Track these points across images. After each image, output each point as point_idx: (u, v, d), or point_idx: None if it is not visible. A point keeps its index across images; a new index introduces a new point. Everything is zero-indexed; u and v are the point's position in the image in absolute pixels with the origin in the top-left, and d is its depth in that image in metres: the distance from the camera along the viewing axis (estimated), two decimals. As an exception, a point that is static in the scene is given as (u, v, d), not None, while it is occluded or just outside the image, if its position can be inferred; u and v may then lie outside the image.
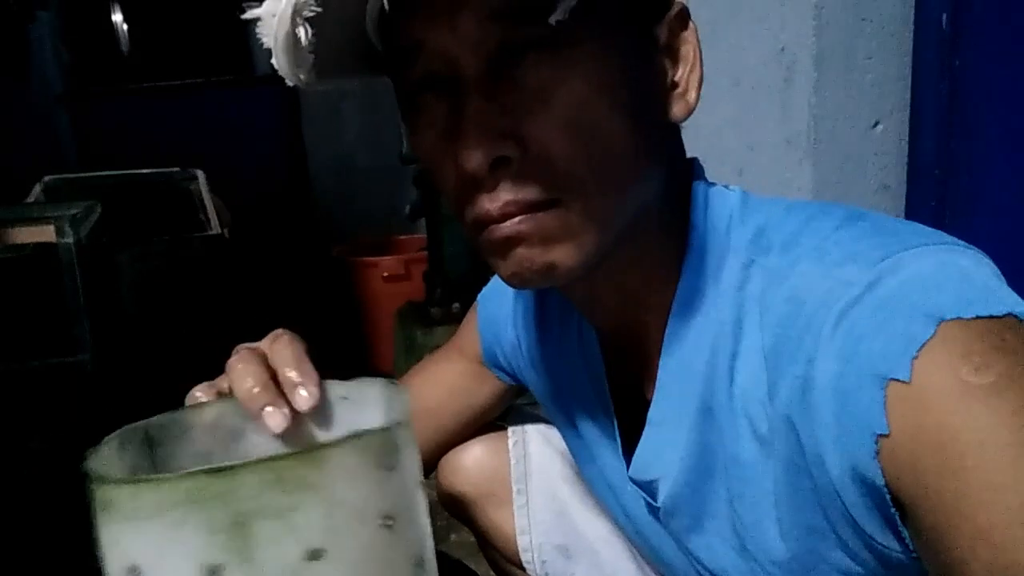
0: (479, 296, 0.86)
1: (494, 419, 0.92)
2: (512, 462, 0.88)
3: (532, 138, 0.47)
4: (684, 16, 0.54)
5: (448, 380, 0.88)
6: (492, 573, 1.41)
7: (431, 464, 0.91)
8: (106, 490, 0.35)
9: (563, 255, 0.50)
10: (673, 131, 0.57)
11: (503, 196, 0.48)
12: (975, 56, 1.09)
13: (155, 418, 0.48)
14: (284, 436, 0.48)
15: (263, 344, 0.53)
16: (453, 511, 0.95)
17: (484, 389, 0.86)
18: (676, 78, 0.54)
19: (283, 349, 0.51)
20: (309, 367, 0.50)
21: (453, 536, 1.69)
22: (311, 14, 0.44)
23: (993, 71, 1.08)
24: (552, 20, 0.44)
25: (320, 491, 0.34)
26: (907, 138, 1.17)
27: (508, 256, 0.51)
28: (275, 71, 0.49)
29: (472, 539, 1.64)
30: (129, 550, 0.35)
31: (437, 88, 0.49)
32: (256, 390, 0.48)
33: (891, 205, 1.19)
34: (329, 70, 0.50)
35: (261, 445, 0.50)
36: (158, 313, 1.69)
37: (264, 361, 0.51)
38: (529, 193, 0.48)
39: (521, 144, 0.47)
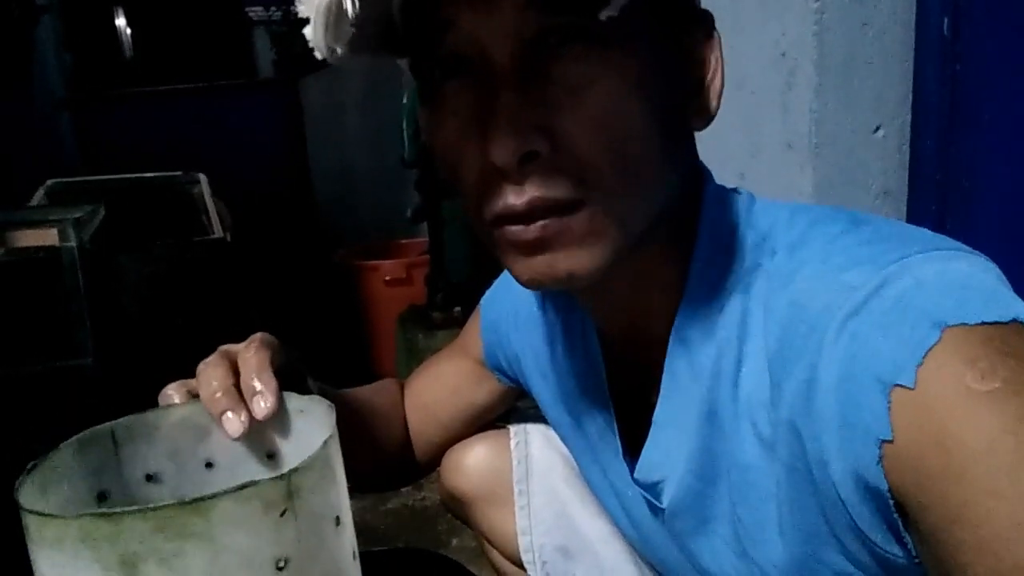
0: (482, 299, 0.86)
1: (497, 420, 0.92)
2: (514, 462, 0.89)
3: (563, 135, 0.47)
4: (710, 26, 0.54)
5: (450, 379, 0.89)
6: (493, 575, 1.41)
7: (433, 461, 0.92)
8: (23, 515, 0.38)
9: (584, 261, 0.49)
10: (690, 137, 0.57)
11: (529, 191, 0.47)
12: (976, 61, 1.09)
13: (122, 419, 0.51)
14: (245, 438, 0.50)
15: (239, 347, 0.55)
16: (454, 510, 0.96)
17: (485, 389, 0.87)
18: (701, 86, 0.54)
19: (250, 356, 0.53)
20: (269, 376, 0.52)
21: (455, 541, 1.69)
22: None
23: (994, 76, 1.09)
24: (603, 16, 0.43)
25: (205, 539, 0.36)
26: (908, 143, 1.17)
27: (530, 259, 0.50)
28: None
29: (473, 544, 1.65)
30: (43, 571, 0.39)
31: (464, 75, 0.48)
32: (218, 395, 0.51)
33: (892, 210, 1.19)
34: (363, 46, 0.49)
35: (225, 445, 0.52)
36: (160, 317, 1.69)
37: (232, 366, 0.53)
38: (556, 190, 0.47)
39: (552, 140, 0.46)
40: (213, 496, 0.37)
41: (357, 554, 0.47)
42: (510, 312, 0.80)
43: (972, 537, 0.38)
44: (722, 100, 0.54)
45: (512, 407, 0.92)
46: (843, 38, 1.11)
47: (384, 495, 1.92)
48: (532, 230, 0.48)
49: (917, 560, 0.45)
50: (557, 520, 0.87)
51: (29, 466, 0.45)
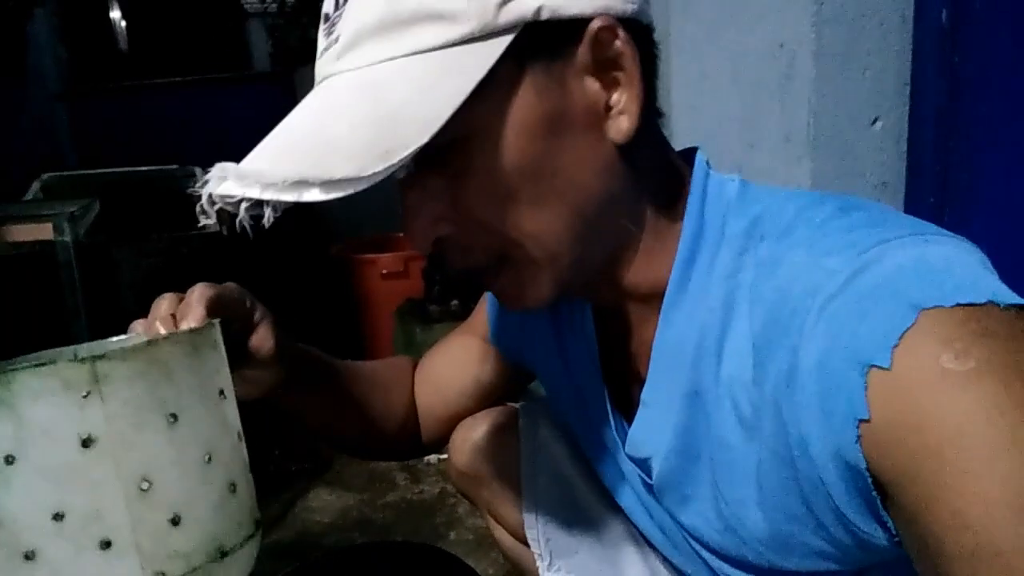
0: None
1: (507, 402, 0.95)
2: (521, 440, 0.90)
3: (461, 216, 0.52)
4: (609, 30, 0.50)
5: (458, 356, 0.91)
6: (493, 570, 1.41)
7: (440, 437, 0.94)
8: None
9: (536, 294, 0.56)
10: (634, 144, 0.54)
11: (458, 263, 0.55)
12: (974, 53, 1.09)
13: (84, 344, 0.59)
14: None
15: None
16: (461, 486, 0.98)
17: (490, 367, 0.89)
18: (610, 101, 0.52)
19: (194, 292, 0.61)
20: (198, 307, 0.59)
21: (452, 534, 1.69)
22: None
23: (992, 68, 1.08)
24: (394, 175, 0.47)
25: (8, 406, 0.42)
26: (906, 135, 1.17)
27: (502, 299, 0.59)
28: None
29: (471, 536, 1.65)
30: None
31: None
32: (156, 322, 0.59)
33: (890, 202, 1.19)
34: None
35: None
36: (156, 311, 1.69)
37: (178, 300, 0.61)
38: (475, 260, 0.55)
39: (453, 223, 0.53)
40: (14, 369, 0.42)
41: (218, 460, 0.50)
42: None
43: (947, 514, 0.40)
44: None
45: (523, 389, 0.94)
46: (842, 30, 1.11)
47: (382, 488, 1.92)
48: (493, 285, 0.57)
49: (897, 540, 0.46)
50: (562, 498, 0.89)
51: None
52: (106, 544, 0.44)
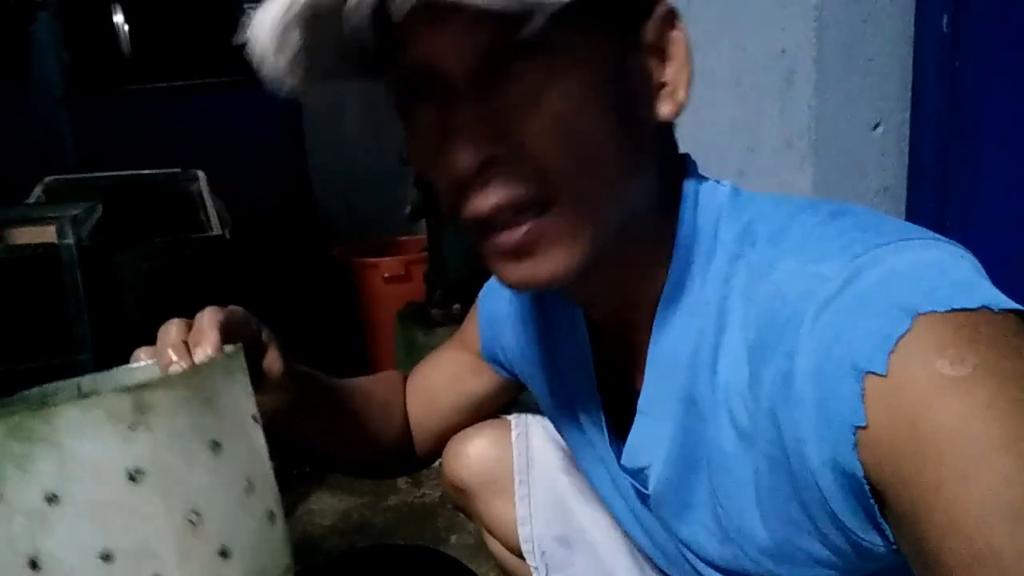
0: (480, 292, 0.88)
1: (499, 412, 0.94)
2: (515, 453, 0.90)
3: (521, 139, 0.48)
4: (671, 15, 0.54)
5: (449, 371, 0.90)
6: (493, 574, 1.41)
7: (433, 451, 0.93)
8: None
9: (563, 262, 0.51)
10: (664, 129, 0.57)
11: (493, 196, 0.49)
12: (975, 58, 1.09)
13: (88, 376, 0.56)
14: None
15: None
16: (456, 500, 0.97)
17: (483, 381, 0.88)
18: (664, 78, 0.54)
19: (202, 316, 0.58)
20: (212, 331, 0.56)
21: (454, 537, 1.69)
22: (305, 14, 0.45)
23: (993, 73, 1.09)
24: (525, 33, 0.44)
25: (52, 443, 0.40)
26: (908, 140, 1.17)
27: (513, 265, 0.52)
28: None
29: (472, 540, 1.65)
30: None
31: (424, 95, 0.50)
32: (167, 349, 0.56)
33: (891, 207, 1.19)
34: (319, 74, 0.50)
35: None
36: (159, 314, 1.69)
37: (187, 325, 0.58)
38: (519, 191, 0.49)
39: (510, 145, 0.48)
40: (59, 403, 0.40)
41: (259, 488, 0.49)
42: (506, 304, 0.81)
43: (945, 521, 0.39)
44: (689, 91, 0.54)
45: (514, 399, 0.93)
46: (843, 35, 1.11)
47: (383, 492, 1.92)
48: (512, 238, 0.51)
49: (894, 546, 0.46)
50: (556, 511, 0.88)
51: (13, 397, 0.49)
52: None
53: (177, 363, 0.54)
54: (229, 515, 0.46)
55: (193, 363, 0.53)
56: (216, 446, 0.45)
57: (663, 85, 0.54)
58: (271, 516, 0.50)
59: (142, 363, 0.58)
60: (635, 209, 0.54)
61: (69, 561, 0.41)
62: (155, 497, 0.42)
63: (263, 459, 0.50)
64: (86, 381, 0.56)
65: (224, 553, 0.45)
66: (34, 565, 0.41)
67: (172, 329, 0.58)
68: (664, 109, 0.54)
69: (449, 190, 0.51)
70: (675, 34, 0.54)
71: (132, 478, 0.42)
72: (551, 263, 0.51)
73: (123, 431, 0.41)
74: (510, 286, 0.54)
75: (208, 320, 0.58)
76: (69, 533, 0.41)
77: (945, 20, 1.10)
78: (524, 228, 0.50)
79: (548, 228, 0.50)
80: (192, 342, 0.57)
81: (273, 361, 0.66)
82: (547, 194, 0.49)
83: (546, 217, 0.50)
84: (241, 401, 0.49)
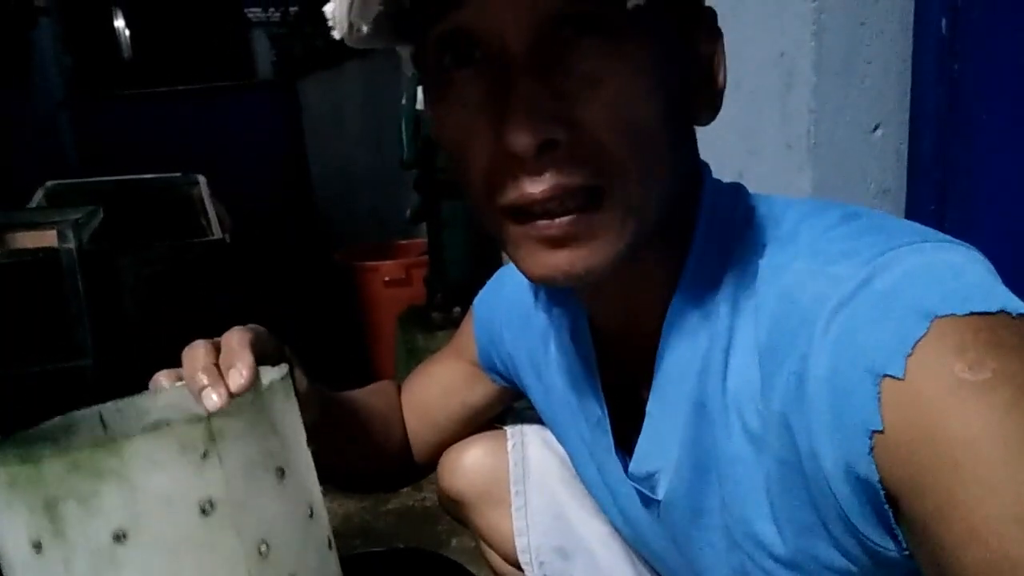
0: (475, 299, 0.87)
1: (493, 421, 0.92)
2: (511, 464, 0.89)
3: (581, 124, 0.46)
4: (714, 25, 0.54)
5: (444, 380, 0.89)
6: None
7: (430, 462, 0.92)
8: None
9: (602, 256, 0.49)
10: (692, 132, 0.57)
11: (549, 180, 0.46)
12: (974, 60, 1.09)
13: (110, 403, 0.52)
14: None
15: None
16: (452, 512, 0.96)
17: (479, 391, 0.87)
18: (704, 83, 0.54)
19: (231, 337, 0.55)
20: (245, 352, 0.53)
21: (455, 541, 1.69)
22: None
23: (992, 75, 1.09)
24: (630, 5, 0.43)
25: (121, 477, 0.38)
26: (907, 142, 1.17)
27: (551, 253, 0.49)
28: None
29: (473, 544, 1.64)
30: None
31: (475, 62, 0.47)
32: (198, 373, 0.51)
33: (891, 209, 1.19)
34: (385, 26, 0.48)
35: None
36: (159, 318, 1.69)
37: (214, 347, 0.54)
38: (574, 179, 0.47)
39: (570, 128, 0.46)
40: (127, 436, 0.38)
41: (317, 514, 0.47)
42: (503, 311, 0.80)
43: (962, 527, 0.39)
44: (723, 99, 0.55)
45: (509, 408, 0.92)
46: (842, 38, 1.11)
47: (384, 496, 1.92)
48: (557, 225, 0.48)
49: (907, 553, 0.45)
50: (554, 521, 0.87)
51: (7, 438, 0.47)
52: None
53: (211, 388, 0.50)
54: (295, 544, 0.44)
55: (228, 388, 0.50)
56: (281, 473, 0.44)
57: (702, 91, 0.54)
58: (329, 543, 0.48)
59: (166, 388, 0.55)
60: (668, 205, 0.53)
61: None
62: (227, 529, 0.41)
63: (317, 484, 0.49)
64: (108, 409, 0.52)
65: None
66: None
67: (200, 352, 0.54)
68: (702, 113, 0.55)
69: (491, 171, 0.48)
70: (716, 41, 0.54)
71: (204, 511, 0.40)
72: (591, 255, 0.49)
73: (195, 461, 0.39)
74: (538, 277, 0.51)
75: (239, 341, 0.54)
76: (138, 571, 0.39)
77: (943, 23, 1.10)
78: (571, 217, 0.47)
79: (595, 219, 0.48)
80: (224, 364, 0.53)
81: (300, 380, 0.64)
82: (600, 183, 0.47)
83: (594, 207, 0.48)
84: (297, 424, 0.48)
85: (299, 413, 0.49)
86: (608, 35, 0.45)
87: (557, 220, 0.48)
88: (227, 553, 0.41)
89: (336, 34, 0.48)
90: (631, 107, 0.47)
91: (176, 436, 0.39)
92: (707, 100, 0.54)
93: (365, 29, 0.47)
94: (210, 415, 0.40)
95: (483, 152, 0.48)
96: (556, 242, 0.49)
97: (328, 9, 0.47)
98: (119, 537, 0.38)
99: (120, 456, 0.38)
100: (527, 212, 0.48)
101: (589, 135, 0.46)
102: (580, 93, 0.46)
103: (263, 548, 0.42)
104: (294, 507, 0.45)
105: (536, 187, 0.47)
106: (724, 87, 0.54)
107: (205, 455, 0.40)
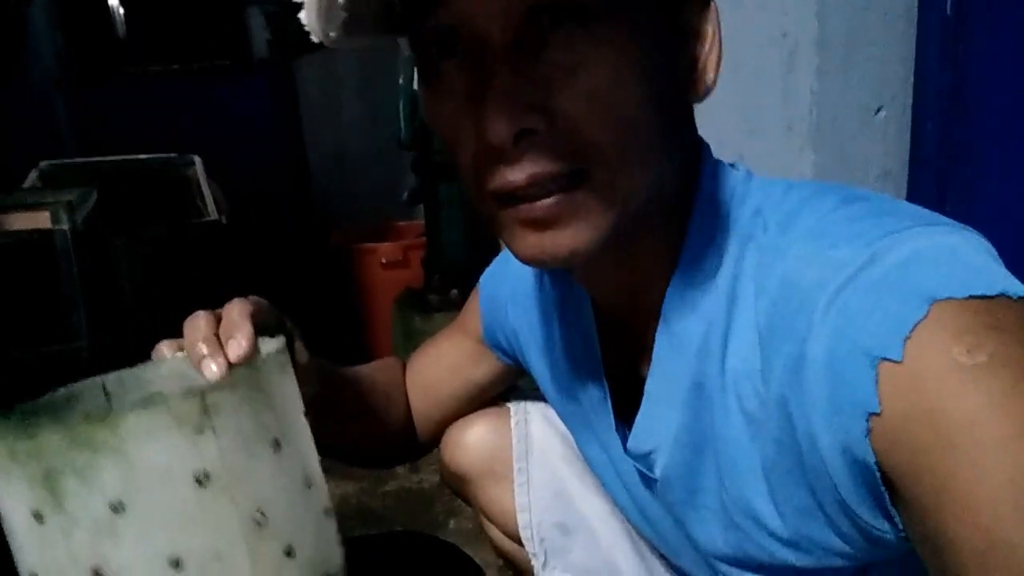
0: (482, 276, 0.87)
1: (497, 398, 0.93)
2: (514, 440, 0.90)
3: (559, 111, 0.47)
4: None
5: (449, 357, 0.90)
6: (491, 559, 1.41)
7: (433, 438, 0.93)
8: None
9: (586, 237, 0.50)
10: (688, 111, 0.56)
11: (528, 168, 0.47)
12: (978, 42, 1.08)
13: (112, 373, 0.54)
14: None
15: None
16: (454, 487, 0.97)
17: (484, 368, 0.88)
18: (697, 58, 0.53)
19: (231, 308, 0.56)
20: (244, 323, 0.53)
21: (452, 523, 1.69)
22: None
23: (996, 57, 1.08)
24: None
25: (117, 451, 0.39)
26: (910, 124, 1.17)
27: (536, 235, 0.50)
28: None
29: (471, 525, 1.65)
30: None
31: (458, 54, 0.48)
32: (199, 343, 0.52)
33: (892, 192, 1.18)
34: (358, 28, 0.49)
35: None
36: (155, 300, 1.68)
37: (215, 317, 0.55)
38: (554, 165, 0.47)
39: (547, 116, 0.47)
40: (121, 410, 0.39)
41: (315, 484, 0.48)
42: (509, 288, 0.81)
43: (958, 510, 0.39)
44: (719, 75, 0.54)
45: (513, 386, 0.93)
46: (845, 18, 1.10)
47: (382, 477, 1.92)
48: (539, 207, 0.49)
49: (903, 535, 0.45)
50: (556, 498, 0.88)
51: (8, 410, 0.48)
52: None
53: (210, 357, 0.51)
54: (292, 513, 0.45)
55: (228, 358, 0.51)
56: (277, 444, 0.45)
57: (695, 66, 0.53)
58: (327, 512, 0.49)
59: (167, 358, 0.56)
60: (660, 186, 0.53)
61: (137, 570, 0.40)
62: (223, 500, 0.42)
63: (315, 455, 0.49)
64: (111, 380, 0.53)
65: (289, 552, 0.45)
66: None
67: (201, 322, 0.55)
68: (695, 90, 0.53)
69: (477, 159, 0.50)
70: (708, 14, 0.53)
71: (199, 482, 0.41)
72: (574, 237, 0.50)
73: (190, 435, 0.40)
74: (526, 258, 0.52)
75: (239, 312, 0.55)
76: (137, 542, 0.40)
77: (948, 4, 1.09)
78: (552, 199, 0.48)
79: (577, 201, 0.49)
80: (224, 335, 0.53)
81: (300, 352, 0.65)
82: (581, 167, 0.48)
83: (577, 190, 0.49)
84: (294, 396, 0.48)
85: (296, 385, 0.49)
86: (584, 22, 0.46)
87: (539, 203, 0.49)
88: (223, 523, 0.42)
89: (314, 39, 0.49)
90: (609, 93, 0.47)
91: (171, 410, 0.40)
92: (699, 77, 0.53)
93: (333, 35, 0.49)
94: (204, 390, 0.41)
95: (469, 141, 0.49)
96: (540, 224, 0.50)
97: (302, 16, 0.48)
98: (116, 508, 0.39)
99: (115, 431, 0.39)
100: (512, 197, 0.49)
101: (567, 122, 0.47)
102: (557, 81, 0.47)
103: (259, 518, 0.43)
104: (290, 478, 0.46)
105: (516, 175, 0.48)
106: (719, 63, 0.53)
107: (200, 429, 0.40)
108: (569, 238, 0.50)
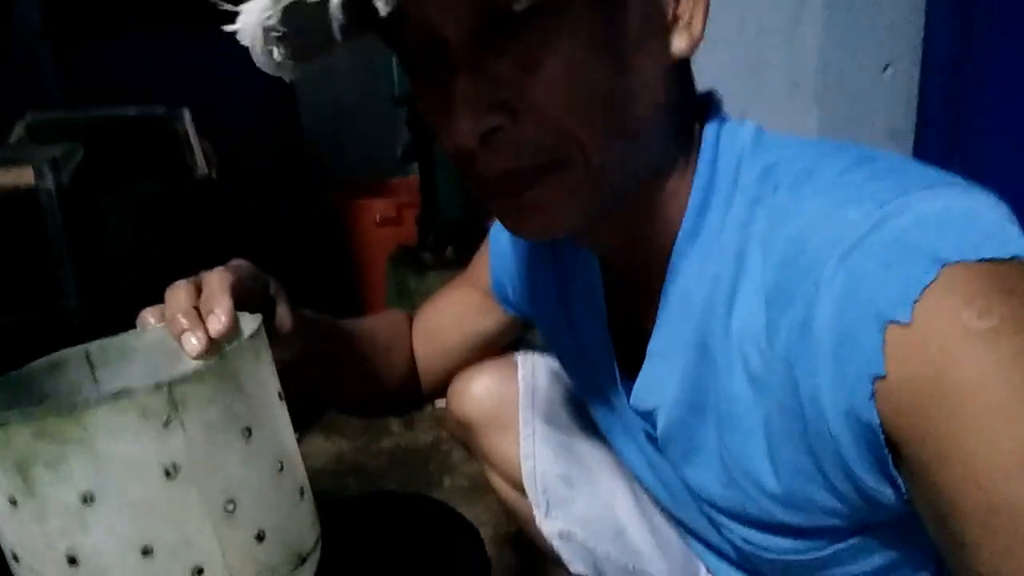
0: (491, 229, 0.88)
1: (503, 349, 0.94)
2: (520, 391, 0.91)
3: (523, 107, 0.47)
4: None
5: (457, 308, 0.91)
6: (485, 517, 1.42)
7: (438, 388, 0.94)
8: None
9: (571, 219, 0.52)
10: (679, 67, 0.55)
11: (498, 165, 0.49)
12: (989, 1, 1.06)
13: (96, 342, 0.54)
14: (209, 357, 0.51)
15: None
16: (459, 436, 0.98)
17: (491, 319, 0.89)
18: (677, 11, 0.52)
19: (212, 279, 0.55)
20: (224, 297, 0.53)
21: (447, 480, 1.70)
22: (276, 34, 0.46)
23: (1006, 15, 1.05)
24: (517, 8, 0.44)
25: (85, 445, 0.39)
26: (918, 82, 1.15)
27: (517, 222, 0.53)
28: None
29: (465, 484, 1.66)
30: None
31: (427, 56, 0.49)
32: (178, 316, 0.52)
33: (899, 150, 1.17)
34: (312, 54, 0.50)
35: (198, 365, 0.53)
36: (145, 258, 1.66)
37: (196, 288, 0.55)
38: (524, 159, 0.49)
39: (512, 113, 0.48)
40: (88, 403, 0.39)
41: (288, 466, 0.49)
42: (517, 242, 0.81)
43: (963, 473, 0.39)
44: (707, 21, 0.52)
45: (520, 338, 0.94)
46: (854, -29, 1.07)
47: (377, 435, 1.93)
48: (520, 201, 0.51)
49: (905, 497, 0.46)
50: (560, 449, 0.89)
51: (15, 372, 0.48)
52: (198, 572, 0.43)
53: (190, 331, 0.51)
54: (263, 498, 0.46)
55: (210, 337, 0.51)
56: (248, 432, 0.45)
57: (676, 19, 0.51)
58: (301, 492, 0.50)
59: (151, 327, 0.56)
60: (651, 153, 0.53)
61: (108, 557, 0.41)
62: (192, 491, 0.42)
63: (290, 436, 0.50)
64: (94, 348, 0.54)
65: (261, 537, 0.46)
66: (72, 561, 0.41)
67: (181, 294, 0.55)
68: (678, 45, 0.52)
69: (455, 157, 0.51)
70: None
71: (168, 474, 0.41)
72: (563, 218, 0.52)
73: (157, 429, 0.41)
74: (520, 235, 0.55)
75: (218, 283, 0.55)
76: (107, 531, 0.41)
77: (960, -44, 1.06)
78: (531, 191, 0.50)
79: (560, 186, 0.50)
80: (204, 308, 0.53)
81: (283, 317, 0.65)
82: (555, 156, 0.49)
83: (552, 176, 0.50)
84: (268, 381, 0.48)
85: (272, 367, 0.50)
86: (539, 15, 0.45)
87: (515, 197, 0.51)
88: (193, 513, 0.43)
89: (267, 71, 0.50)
90: (575, 81, 0.47)
91: (138, 405, 0.40)
92: (682, 29, 0.52)
93: (289, 74, 0.50)
94: (171, 384, 0.41)
95: (446, 142, 0.51)
96: (520, 212, 0.52)
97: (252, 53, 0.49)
98: (87, 499, 0.40)
99: (83, 425, 0.39)
100: (490, 192, 0.52)
101: (533, 116, 0.48)
102: (517, 77, 0.47)
103: (229, 507, 0.44)
104: (263, 464, 0.46)
105: (489, 171, 0.50)
106: (706, 11, 0.52)
107: (167, 422, 0.41)
108: (557, 220, 0.52)
